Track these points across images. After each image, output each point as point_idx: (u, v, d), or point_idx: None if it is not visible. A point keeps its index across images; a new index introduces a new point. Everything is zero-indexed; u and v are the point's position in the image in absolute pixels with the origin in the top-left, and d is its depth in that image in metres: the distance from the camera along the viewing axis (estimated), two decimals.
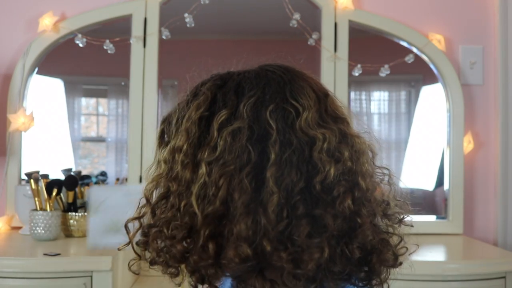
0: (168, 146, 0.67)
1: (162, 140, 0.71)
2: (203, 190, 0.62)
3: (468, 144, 2.11)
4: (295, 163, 0.61)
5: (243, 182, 0.60)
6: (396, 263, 0.69)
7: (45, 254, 1.56)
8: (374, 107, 2.31)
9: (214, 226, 0.61)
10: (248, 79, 0.68)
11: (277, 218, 0.59)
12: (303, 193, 0.61)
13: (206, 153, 0.63)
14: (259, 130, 0.63)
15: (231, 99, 0.65)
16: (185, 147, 0.64)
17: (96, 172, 2.16)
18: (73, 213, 1.83)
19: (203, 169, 0.62)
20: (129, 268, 0.74)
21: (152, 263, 0.69)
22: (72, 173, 1.94)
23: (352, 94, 2.25)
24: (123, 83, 2.16)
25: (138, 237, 0.71)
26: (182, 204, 0.63)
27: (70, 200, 1.85)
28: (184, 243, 0.62)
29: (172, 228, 0.63)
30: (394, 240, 0.69)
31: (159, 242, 0.66)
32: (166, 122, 0.71)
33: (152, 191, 0.69)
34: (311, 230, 0.60)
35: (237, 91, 0.66)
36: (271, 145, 0.62)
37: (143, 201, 0.70)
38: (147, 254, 0.69)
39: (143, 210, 0.70)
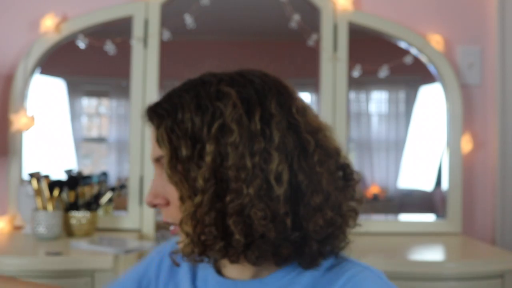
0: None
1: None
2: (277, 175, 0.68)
3: (466, 144, 2.13)
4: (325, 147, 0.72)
5: (302, 165, 0.68)
6: None
7: (47, 253, 1.57)
8: (373, 108, 2.33)
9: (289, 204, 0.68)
10: (257, 82, 0.73)
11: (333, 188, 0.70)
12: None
13: (264, 143, 0.68)
14: (288, 123, 0.70)
15: (253, 98, 0.70)
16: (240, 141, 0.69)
17: (97, 172, 2.18)
18: (75, 213, 1.85)
19: (275, 157, 0.67)
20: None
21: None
22: (73, 173, 1.95)
23: (352, 94, 2.26)
24: (124, 84, 2.18)
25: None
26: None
27: (72, 200, 1.87)
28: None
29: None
30: None
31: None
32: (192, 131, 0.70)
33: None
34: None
35: (256, 91, 0.71)
36: (306, 134, 0.70)
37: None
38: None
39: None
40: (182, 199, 0.69)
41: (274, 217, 0.66)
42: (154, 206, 0.74)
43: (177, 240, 0.76)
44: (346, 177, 0.73)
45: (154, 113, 0.73)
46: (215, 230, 0.67)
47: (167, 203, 0.73)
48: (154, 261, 0.90)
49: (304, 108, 0.73)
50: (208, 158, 0.67)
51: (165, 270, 0.87)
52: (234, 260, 0.70)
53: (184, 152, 0.68)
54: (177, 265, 0.79)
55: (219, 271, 0.79)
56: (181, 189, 0.69)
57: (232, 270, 0.77)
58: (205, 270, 0.81)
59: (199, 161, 0.68)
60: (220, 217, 0.67)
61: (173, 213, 0.73)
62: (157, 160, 0.74)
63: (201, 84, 0.72)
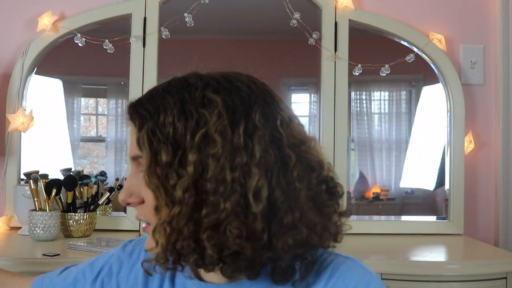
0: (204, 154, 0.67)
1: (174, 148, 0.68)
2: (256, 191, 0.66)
3: (469, 144, 2.11)
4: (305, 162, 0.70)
5: (281, 181, 0.67)
6: None
7: (44, 255, 1.56)
8: (374, 107, 2.31)
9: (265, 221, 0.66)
10: (241, 89, 0.71)
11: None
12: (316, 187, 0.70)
13: (246, 158, 0.66)
14: (271, 136, 0.68)
15: (239, 108, 0.69)
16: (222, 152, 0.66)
17: (95, 172, 2.16)
18: (72, 214, 1.83)
19: (255, 173, 0.66)
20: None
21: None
22: (71, 173, 1.93)
23: (353, 94, 2.24)
24: (122, 83, 2.16)
25: None
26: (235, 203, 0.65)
27: (69, 201, 1.85)
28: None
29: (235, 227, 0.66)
30: None
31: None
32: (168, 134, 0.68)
33: None
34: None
35: (242, 100, 0.70)
36: (288, 148, 0.68)
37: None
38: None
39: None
40: (157, 208, 0.68)
41: (251, 234, 0.65)
42: (128, 204, 0.73)
43: (140, 245, 0.83)
44: (329, 190, 0.71)
45: (136, 114, 0.70)
46: (192, 242, 0.65)
47: (141, 202, 0.72)
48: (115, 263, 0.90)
49: (289, 119, 0.72)
50: (190, 168, 0.65)
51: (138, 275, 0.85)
52: (210, 270, 0.70)
53: (164, 157, 0.66)
54: (150, 274, 0.78)
55: (198, 276, 0.78)
56: (158, 196, 0.67)
57: (211, 275, 0.76)
58: (183, 277, 0.79)
59: (179, 169, 0.66)
60: (196, 229, 0.65)
61: (147, 212, 0.71)
62: (135, 159, 0.72)
63: (186, 87, 0.70)
